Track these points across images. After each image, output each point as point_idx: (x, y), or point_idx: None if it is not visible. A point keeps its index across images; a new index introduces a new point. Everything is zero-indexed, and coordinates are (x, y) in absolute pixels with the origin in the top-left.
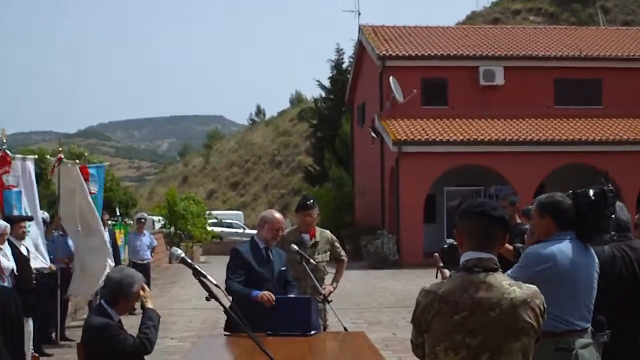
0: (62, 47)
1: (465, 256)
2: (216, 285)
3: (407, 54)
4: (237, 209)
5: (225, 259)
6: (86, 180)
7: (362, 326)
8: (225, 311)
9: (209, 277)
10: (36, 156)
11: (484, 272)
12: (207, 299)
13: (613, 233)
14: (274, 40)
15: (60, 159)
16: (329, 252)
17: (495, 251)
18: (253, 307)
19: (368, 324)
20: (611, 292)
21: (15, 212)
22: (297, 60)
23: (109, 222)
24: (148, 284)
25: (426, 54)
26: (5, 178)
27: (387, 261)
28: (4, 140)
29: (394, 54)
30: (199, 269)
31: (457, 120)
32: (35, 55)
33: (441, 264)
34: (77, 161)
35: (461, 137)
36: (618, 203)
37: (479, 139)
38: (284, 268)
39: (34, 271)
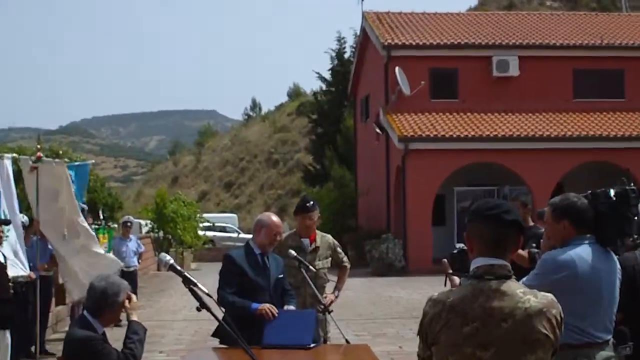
0: (43, 37)
1: (476, 262)
2: (208, 295)
3: (414, 43)
4: (231, 212)
5: (219, 265)
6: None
7: (365, 338)
8: (219, 323)
9: (200, 285)
10: (15, 155)
11: (496, 280)
12: (198, 310)
13: (636, 236)
14: (270, 29)
15: (39, 157)
16: (330, 258)
17: (509, 257)
18: (249, 319)
19: (372, 336)
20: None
21: None
22: (295, 50)
23: (92, 226)
24: (135, 293)
25: (435, 42)
26: None
27: (392, 268)
28: None
29: (400, 43)
30: (190, 276)
31: (468, 114)
32: (13, 46)
33: (450, 271)
34: (66, 160)
35: (472, 133)
36: None
37: (491, 135)
38: (281, 276)
39: (12, 280)
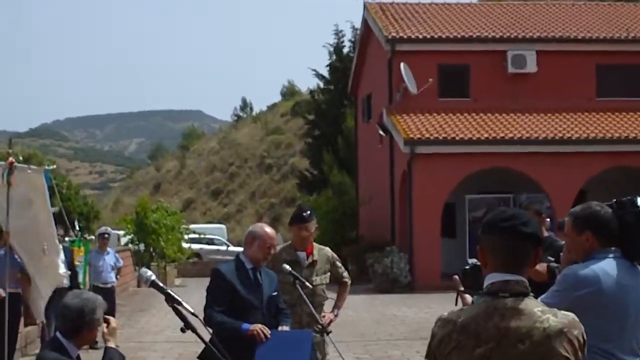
0: (10, 32)
1: (490, 278)
2: (193, 314)
3: (420, 37)
4: (219, 222)
5: (205, 281)
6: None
7: None
8: (205, 344)
9: (184, 304)
10: None
11: (512, 297)
12: (183, 331)
13: None
14: (261, 22)
15: (12, 164)
16: (329, 273)
17: (526, 272)
18: (239, 341)
19: (375, 359)
20: None
21: None
22: (289, 45)
23: (66, 239)
24: (113, 312)
25: (444, 36)
26: None
27: (397, 284)
28: None
29: (405, 37)
30: (173, 294)
31: (481, 114)
32: None
33: (462, 288)
34: (51, 165)
35: (486, 135)
36: None
37: (506, 138)
38: (275, 293)
39: None
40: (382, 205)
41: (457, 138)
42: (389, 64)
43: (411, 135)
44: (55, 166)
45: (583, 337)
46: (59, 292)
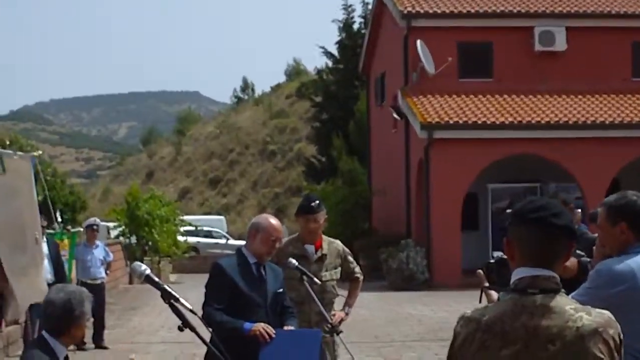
0: None
1: (518, 273)
2: (192, 312)
3: (439, 11)
4: (218, 214)
5: (203, 278)
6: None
7: None
8: (206, 345)
9: (182, 300)
10: None
11: (541, 294)
12: (180, 329)
13: None
14: None
15: None
16: (339, 269)
17: (557, 268)
18: (240, 342)
19: None
20: None
21: None
22: (294, 20)
23: (46, 231)
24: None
25: (464, 10)
26: None
27: (413, 281)
28: None
29: (422, 11)
30: (170, 290)
31: (505, 97)
32: None
33: (486, 284)
34: (37, 153)
35: (510, 119)
36: None
37: (533, 122)
38: (280, 290)
39: None
40: (396, 195)
41: (479, 122)
42: (404, 41)
43: (429, 119)
44: (41, 152)
45: (620, 337)
46: None
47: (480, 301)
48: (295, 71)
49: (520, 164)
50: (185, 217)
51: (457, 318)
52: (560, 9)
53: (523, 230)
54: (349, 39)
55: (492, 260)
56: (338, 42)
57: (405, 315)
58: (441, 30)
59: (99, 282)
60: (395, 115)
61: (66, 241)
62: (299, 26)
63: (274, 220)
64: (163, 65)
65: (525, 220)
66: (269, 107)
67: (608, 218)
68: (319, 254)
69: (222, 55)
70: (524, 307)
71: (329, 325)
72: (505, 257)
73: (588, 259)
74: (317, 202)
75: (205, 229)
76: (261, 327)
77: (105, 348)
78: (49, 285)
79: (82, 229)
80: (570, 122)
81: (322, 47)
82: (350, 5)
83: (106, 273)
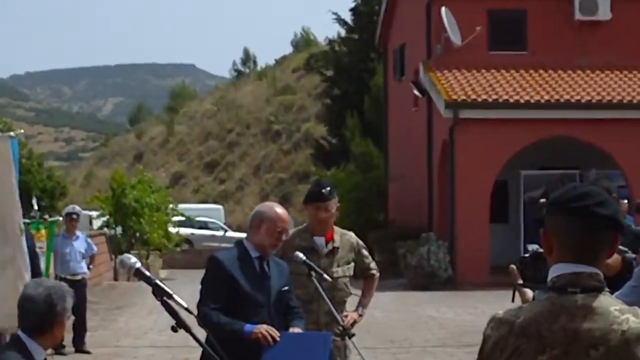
0: None
1: (556, 270)
2: (187, 310)
3: None
4: (215, 202)
5: (197, 274)
6: None
7: None
8: (203, 347)
9: (176, 297)
10: None
11: (583, 293)
12: (174, 330)
13: None
14: None
15: None
16: (352, 264)
17: (601, 263)
18: (240, 345)
19: None
20: None
21: None
22: None
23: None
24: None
25: None
26: None
27: (435, 279)
28: None
29: None
30: (162, 285)
31: (541, 72)
32: None
33: (520, 281)
34: (17, 132)
35: (546, 97)
36: None
37: (572, 100)
38: (285, 288)
39: None
40: (416, 182)
41: (510, 100)
42: (427, 8)
43: (454, 97)
44: (22, 131)
45: None
46: None
47: (513, 301)
48: (303, 41)
49: (556, 147)
50: (178, 206)
51: (484, 321)
52: None
53: (563, 221)
54: (365, 4)
55: (526, 255)
56: (352, 9)
57: (426, 318)
58: None
59: (79, 277)
60: (416, 92)
61: (43, 231)
62: None
63: (280, 209)
64: (154, 34)
65: (566, 209)
66: (273, 82)
67: None
68: (329, 247)
69: (221, 24)
70: (563, 308)
71: (340, 328)
72: (541, 251)
73: (633, 255)
74: (329, 188)
75: (201, 219)
76: (264, 329)
77: (87, 352)
78: None
79: (60, 218)
80: (614, 100)
81: (335, 14)
82: None
83: (88, 268)
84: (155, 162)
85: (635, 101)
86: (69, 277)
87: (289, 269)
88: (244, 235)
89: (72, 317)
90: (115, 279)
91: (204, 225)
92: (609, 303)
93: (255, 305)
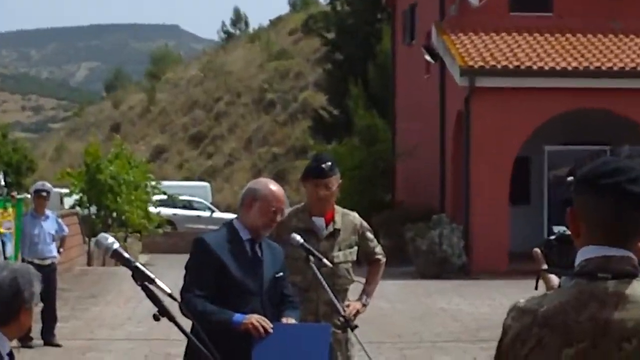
0: None
1: (585, 253)
2: (171, 297)
3: None
4: (202, 179)
5: (180, 259)
6: None
7: None
8: (188, 338)
9: (159, 282)
10: None
11: (614, 279)
12: (156, 318)
13: None
14: None
15: None
16: (355, 248)
17: (634, 247)
18: (229, 337)
19: None
20: None
21: None
22: None
23: None
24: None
25: None
26: None
27: (448, 266)
28: None
29: None
30: (143, 268)
31: (568, 36)
32: None
33: (545, 266)
34: None
35: (574, 64)
36: None
37: (603, 68)
38: (280, 274)
39: None
40: (428, 158)
41: (534, 67)
42: None
43: (470, 63)
44: None
45: None
46: None
47: (536, 288)
48: (301, 1)
49: (585, 120)
50: (160, 184)
51: (501, 314)
52: None
53: (592, 199)
54: None
55: (552, 237)
56: None
57: (437, 310)
58: None
59: (49, 262)
60: (428, 58)
61: (10, 210)
62: None
63: (275, 187)
64: None
65: (596, 186)
66: (267, 45)
67: None
68: (330, 228)
69: None
70: (592, 296)
71: (342, 319)
72: (568, 233)
73: None
74: (330, 163)
75: (185, 198)
76: (255, 319)
77: (57, 345)
78: None
79: (28, 196)
80: None
81: None
82: None
83: (58, 251)
84: (134, 134)
85: None
86: (37, 261)
87: (284, 253)
88: (233, 216)
89: (41, 305)
90: (89, 263)
91: (188, 205)
92: None
93: (246, 293)
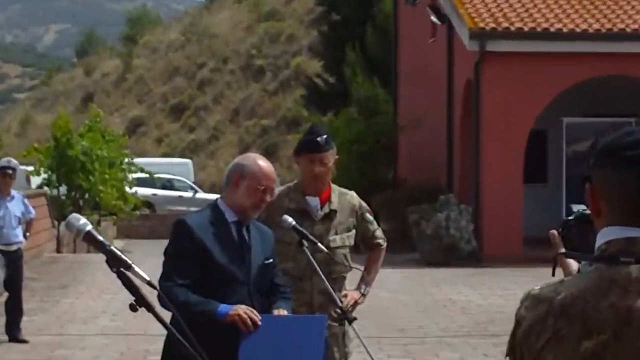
0: None
1: (605, 234)
2: (150, 284)
3: None
4: (183, 156)
5: (159, 245)
6: None
7: None
8: (167, 329)
9: (136, 268)
10: None
11: (638, 264)
12: (133, 308)
13: None
14: None
15: None
16: (353, 231)
17: None
18: (213, 330)
19: None
20: None
21: None
22: None
23: None
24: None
25: None
26: None
27: (456, 252)
28: None
29: None
30: (119, 253)
31: None
32: None
33: (562, 250)
34: None
35: (596, 26)
36: None
37: (628, 30)
38: (270, 260)
39: None
40: (433, 131)
41: (551, 30)
42: None
43: (481, 24)
44: None
45: None
46: None
47: (554, 274)
48: None
49: (608, 89)
50: (137, 160)
51: (515, 306)
52: None
53: (615, 174)
54: None
55: (570, 217)
56: None
57: (444, 302)
58: None
59: (14, 248)
60: (433, 19)
61: None
62: None
63: (264, 163)
64: None
65: (619, 158)
66: (255, 5)
67: None
68: (325, 209)
69: None
70: (614, 282)
71: (338, 310)
72: (588, 212)
73: None
74: (325, 136)
75: (165, 176)
76: (242, 310)
77: (23, 341)
78: None
79: None
80: None
81: None
82: None
83: (25, 236)
84: (108, 105)
85: None
86: (1, 246)
87: (275, 237)
88: (219, 196)
89: (5, 295)
90: (58, 250)
91: (168, 185)
92: None
93: (232, 282)
